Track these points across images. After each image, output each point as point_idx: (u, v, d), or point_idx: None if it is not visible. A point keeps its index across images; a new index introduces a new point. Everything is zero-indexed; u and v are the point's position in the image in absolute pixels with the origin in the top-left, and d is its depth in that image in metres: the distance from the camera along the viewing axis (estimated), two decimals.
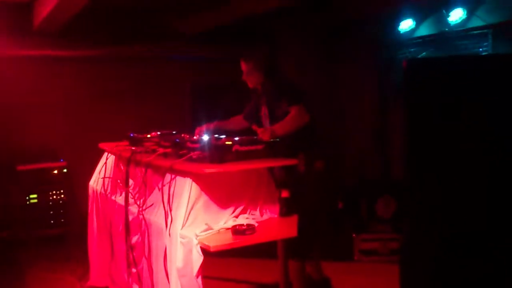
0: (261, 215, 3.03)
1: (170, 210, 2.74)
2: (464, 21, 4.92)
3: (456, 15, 4.92)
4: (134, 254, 3.23)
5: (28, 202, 5.44)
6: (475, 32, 4.90)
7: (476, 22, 4.86)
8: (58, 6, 4.37)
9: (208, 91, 6.32)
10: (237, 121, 3.99)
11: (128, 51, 6.03)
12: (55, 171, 5.62)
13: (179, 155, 2.90)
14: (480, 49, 4.89)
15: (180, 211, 2.69)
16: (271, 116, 3.57)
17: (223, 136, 2.98)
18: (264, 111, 3.66)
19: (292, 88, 3.55)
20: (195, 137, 3.20)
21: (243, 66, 3.66)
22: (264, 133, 3.16)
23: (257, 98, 3.79)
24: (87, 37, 5.71)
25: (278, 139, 3.15)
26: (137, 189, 3.26)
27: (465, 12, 4.88)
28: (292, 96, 3.43)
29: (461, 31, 4.97)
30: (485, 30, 4.81)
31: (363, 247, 4.89)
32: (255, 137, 3.04)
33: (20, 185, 5.42)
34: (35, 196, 5.47)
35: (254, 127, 3.68)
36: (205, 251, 2.57)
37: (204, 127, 3.75)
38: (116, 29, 5.88)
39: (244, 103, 3.99)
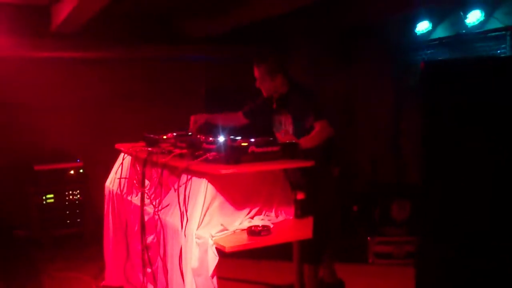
0: (276, 216, 3.03)
1: (186, 211, 2.75)
2: (482, 23, 4.88)
3: (474, 17, 4.88)
4: (150, 254, 3.25)
5: (44, 202, 5.49)
6: (492, 34, 4.85)
7: (494, 24, 4.82)
8: (75, 9, 4.42)
9: (222, 93, 6.33)
10: (233, 117, 3.96)
11: (144, 53, 6.07)
12: (72, 171, 5.67)
13: (195, 156, 2.91)
14: (498, 51, 4.84)
15: (195, 211, 2.70)
16: (296, 126, 3.56)
17: (239, 138, 2.99)
18: (288, 119, 3.64)
19: (318, 101, 3.54)
20: (210, 138, 3.21)
21: (256, 72, 3.63)
22: (285, 136, 3.17)
23: (269, 105, 3.76)
24: (104, 39, 5.76)
25: (294, 142, 3.15)
26: (153, 189, 3.28)
27: (483, 14, 4.83)
28: (319, 111, 3.44)
29: (479, 33, 4.93)
30: (503, 32, 4.76)
31: (377, 250, 4.86)
32: (271, 139, 3.04)
33: (37, 185, 5.48)
34: (51, 196, 5.52)
35: (277, 134, 3.67)
36: (220, 251, 2.58)
37: (197, 118, 3.75)
38: (131, 31, 5.93)
39: (253, 100, 3.97)
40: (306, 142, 3.25)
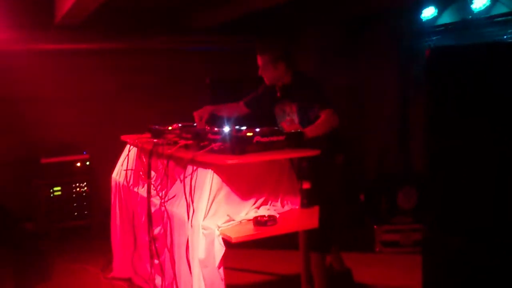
0: (282, 206, 3.03)
1: (192, 202, 2.76)
2: (488, 8, 4.81)
3: (480, 2, 4.81)
4: (157, 245, 3.26)
5: (52, 195, 5.52)
6: (499, 19, 4.78)
7: (501, 9, 4.75)
8: (78, 1, 4.40)
9: (228, 83, 6.31)
10: (235, 108, 3.94)
11: (148, 44, 6.07)
12: (78, 164, 5.69)
13: (201, 147, 2.91)
14: (505, 37, 4.78)
15: (201, 202, 2.70)
16: (301, 115, 3.55)
17: (244, 128, 2.98)
18: (293, 108, 3.62)
19: (324, 90, 3.52)
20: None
21: (259, 60, 3.61)
22: (290, 126, 3.16)
23: (273, 93, 3.75)
24: (107, 30, 5.76)
25: (300, 131, 3.14)
26: (159, 180, 3.28)
27: None
28: (324, 99, 3.41)
29: (485, 18, 4.87)
30: (509, 17, 4.70)
31: (384, 239, 4.86)
32: (276, 128, 3.03)
33: (44, 177, 5.50)
34: (59, 188, 5.54)
35: (282, 123, 3.65)
36: (226, 242, 2.58)
37: (200, 113, 3.74)
38: (135, 23, 5.92)
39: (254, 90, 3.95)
40: (311, 131, 3.24)
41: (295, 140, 3.03)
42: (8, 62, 5.49)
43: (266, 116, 3.80)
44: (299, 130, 3.15)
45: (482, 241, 2.61)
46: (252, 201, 2.91)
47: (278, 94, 3.70)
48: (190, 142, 3.08)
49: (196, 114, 3.75)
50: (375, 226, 4.89)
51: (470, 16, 4.97)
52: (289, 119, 3.62)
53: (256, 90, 3.90)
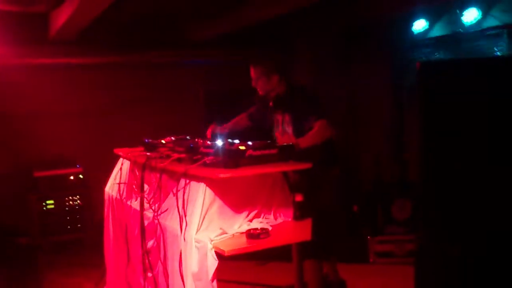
0: (275, 219, 3.04)
1: (185, 215, 2.76)
2: (479, 21, 4.86)
3: (471, 15, 4.85)
4: (150, 258, 3.25)
5: (45, 208, 5.51)
6: (490, 32, 4.84)
7: (491, 22, 4.80)
8: (73, 15, 4.42)
9: (221, 96, 6.35)
10: (241, 122, 4.01)
11: (141, 58, 6.09)
12: (72, 177, 5.69)
13: (193, 160, 2.92)
14: (496, 49, 4.83)
15: (194, 216, 2.71)
16: (296, 126, 3.57)
17: (236, 141, 2.99)
18: (286, 118, 3.64)
19: (318, 101, 3.55)
20: (208, 142, 3.22)
21: (252, 72, 3.65)
22: (283, 138, 3.18)
23: (266, 103, 3.78)
24: (101, 45, 5.79)
25: (292, 143, 3.16)
26: (152, 194, 3.28)
27: (480, 12, 4.81)
28: (319, 111, 3.44)
29: (476, 31, 4.92)
30: (500, 30, 4.75)
31: (378, 249, 4.87)
32: (269, 141, 3.04)
33: (37, 191, 5.50)
34: (52, 202, 5.54)
35: (277, 133, 3.68)
36: (219, 255, 2.58)
37: (214, 129, 3.78)
38: (129, 37, 5.95)
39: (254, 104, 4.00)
40: (304, 141, 3.26)
41: (287, 153, 3.05)
42: (1, 76, 5.50)
43: (267, 128, 3.83)
44: (291, 143, 3.16)
45: (476, 252, 2.62)
46: (244, 214, 2.91)
47: (270, 104, 3.73)
48: (183, 155, 3.09)
49: (209, 134, 3.80)
50: (369, 237, 4.90)
51: (461, 30, 5.02)
52: (280, 130, 3.64)
53: (255, 104, 3.94)
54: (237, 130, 3.85)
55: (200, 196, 2.73)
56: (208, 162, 2.83)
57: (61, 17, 4.79)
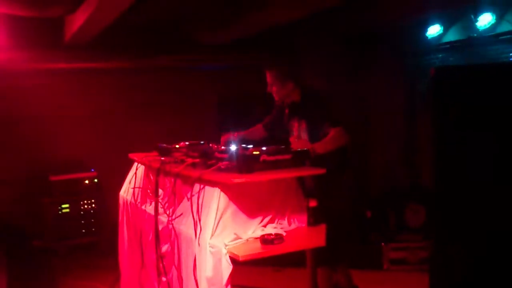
0: (289, 224, 3.03)
1: (199, 220, 2.77)
2: (493, 26, 4.85)
3: (485, 20, 4.85)
4: (164, 263, 3.26)
5: (60, 212, 5.56)
6: (504, 37, 4.82)
7: (506, 27, 4.78)
8: (88, 20, 4.47)
9: (235, 101, 6.36)
10: (257, 131, 4.02)
11: (155, 63, 6.13)
12: (86, 181, 5.73)
13: (208, 165, 2.93)
14: (511, 54, 4.80)
15: (209, 220, 2.72)
16: (312, 133, 3.56)
17: (250, 146, 3.00)
18: (302, 125, 3.65)
19: (333, 108, 3.55)
20: (222, 147, 3.23)
21: (268, 77, 3.67)
22: (298, 143, 3.18)
23: (281, 109, 3.80)
24: (116, 49, 5.83)
25: (307, 149, 3.16)
26: (166, 199, 3.30)
27: (494, 17, 4.80)
28: (334, 117, 3.45)
29: (490, 36, 4.90)
30: None
31: (392, 256, 4.84)
32: (283, 147, 3.05)
33: (53, 195, 5.55)
34: (67, 205, 5.58)
35: (291, 139, 3.68)
36: (233, 260, 2.59)
37: (228, 136, 3.80)
38: (143, 41, 5.99)
39: (270, 113, 4.01)
40: (320, 147, 3.26)
41: (302, 158, 3.05)
42: (17, 81, 5.57)
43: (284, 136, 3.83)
44: (306, 149, 3.16)
45: (490, 258, 2.60)
46: (259, 219, 2.91)
47: (286, 111, 3.74)
48: (197, 160, 3.10)
49: (223, 138, 3.81)
50: (382, 244, 4.87)
51: (475, 34, 5.00)
52: (295, 136, 3.64)
53: (272, 113, 3.95)
54: (252, 139, 3.86)
55: (214, 201, 2.74)
56: (222, 167, 2.84)
57: (76, 22, 4.84)
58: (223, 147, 3.03)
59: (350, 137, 3.42)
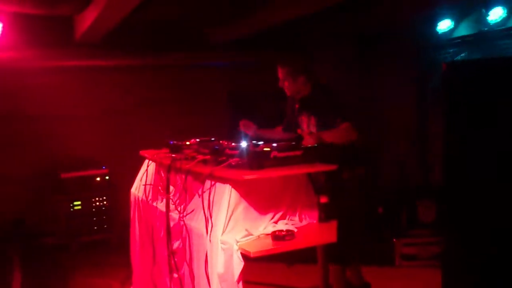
0: (300, 220, 3.03)
1: (211, 216, 2.78)
2: (505, 20, 4.81)
3: (496, 14, 4.82)
4: (176, 259, 3.28)
5: (72, 209, 5.59)
6: None
7: None
8: (98, 18, 4.49)
9: (245, 98, 6.36)
10: (275, 134, 4.05)
11: (166, 60, 6.14)
12: (98, 178, 5.76)
13: (218, 162, 2.94)
14: None
15: (220, 217, 2.72)
16: (321, 129, 3.54)
17: (261, 143, 3.00)
18: (312, 120, 3.65)
19: (343, 104, 3.55)
20: (233, 143, 3.24)
21: (279, 72, 3.68)
22: (310, 138, 3.18)
23: (293, 104, 3.81)
24: (125, 47, 5.84)
25: (316, 145, 3.15)
26: (177, 195, 3.31)
27: (505, 11, 4.76)
28: (344, 114, 3.45)
29: (502, 30, 4.86)
30: None
31: (404, 252, 4.82)
32: (293, 143, 3.05)
33: (64, 192, 5.58)
34: (78, 202, 5.62)
35: (299, 131, 3.69)
36: (245, 256, 2.60)
37: (245, 124, 3.82)
38: (153, 39, 6.00)
39: (280, 110, 4.01)
40: (329, 136, 3.27)
41: (312, 154, 3.05)
42: (29, 79, 5.61)
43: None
44: (315, 145, 3.16)
45: (502, 254, 2.58)
46: (270, 215, 2.92)
47: (297, 106, 3.74)
48: (208, 157, 3.11)
49: (241, 123, 3.86)
50: (394, 240, 4.86)
51: (486, 28, 4.96)
52: (307, 131, 3.64)
53: (285, 112, 3.95)
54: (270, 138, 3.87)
55: (225, 197, 2.74)
56: (233, 163, 2.84)
57: (86, 20, 4.86)
58: (233, 144, 3.03)
59: (359, 134, 3.41)
